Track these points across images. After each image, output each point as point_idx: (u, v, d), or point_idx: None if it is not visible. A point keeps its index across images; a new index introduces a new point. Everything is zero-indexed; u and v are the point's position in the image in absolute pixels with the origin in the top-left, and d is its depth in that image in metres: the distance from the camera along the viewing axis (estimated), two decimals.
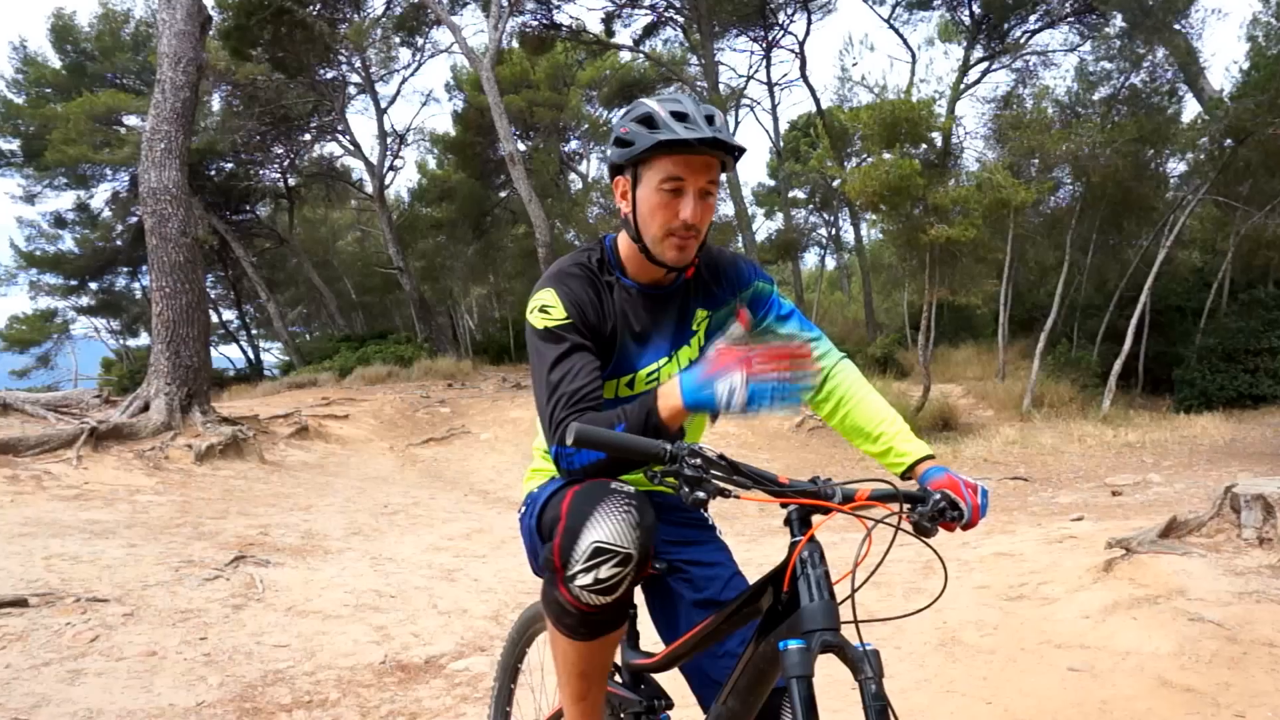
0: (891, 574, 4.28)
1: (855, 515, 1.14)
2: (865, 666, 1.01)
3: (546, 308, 1.37)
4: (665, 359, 1.49)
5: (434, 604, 4.14)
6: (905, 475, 1.43)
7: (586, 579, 1.19)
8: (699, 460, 1.06)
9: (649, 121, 1.33)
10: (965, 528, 1.25)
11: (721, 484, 1.08)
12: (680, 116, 1.31)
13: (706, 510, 1.67)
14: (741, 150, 1.36)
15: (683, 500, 1.05)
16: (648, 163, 1.35)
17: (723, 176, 1.45)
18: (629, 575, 1.20)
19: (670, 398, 1.21)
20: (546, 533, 1.30)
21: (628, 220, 1.43)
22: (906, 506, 1.17)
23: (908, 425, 1.48)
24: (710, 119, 1.32)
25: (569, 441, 1.07)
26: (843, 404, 1.51)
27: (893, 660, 3.09)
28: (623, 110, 1.43)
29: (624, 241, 1.48)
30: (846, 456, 10.64)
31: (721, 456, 1.09)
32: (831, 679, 1.18)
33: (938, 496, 1.19)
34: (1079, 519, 5.44)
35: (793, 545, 1.13)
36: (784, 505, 1.15)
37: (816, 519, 1.14)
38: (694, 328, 1.52)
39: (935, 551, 1.23)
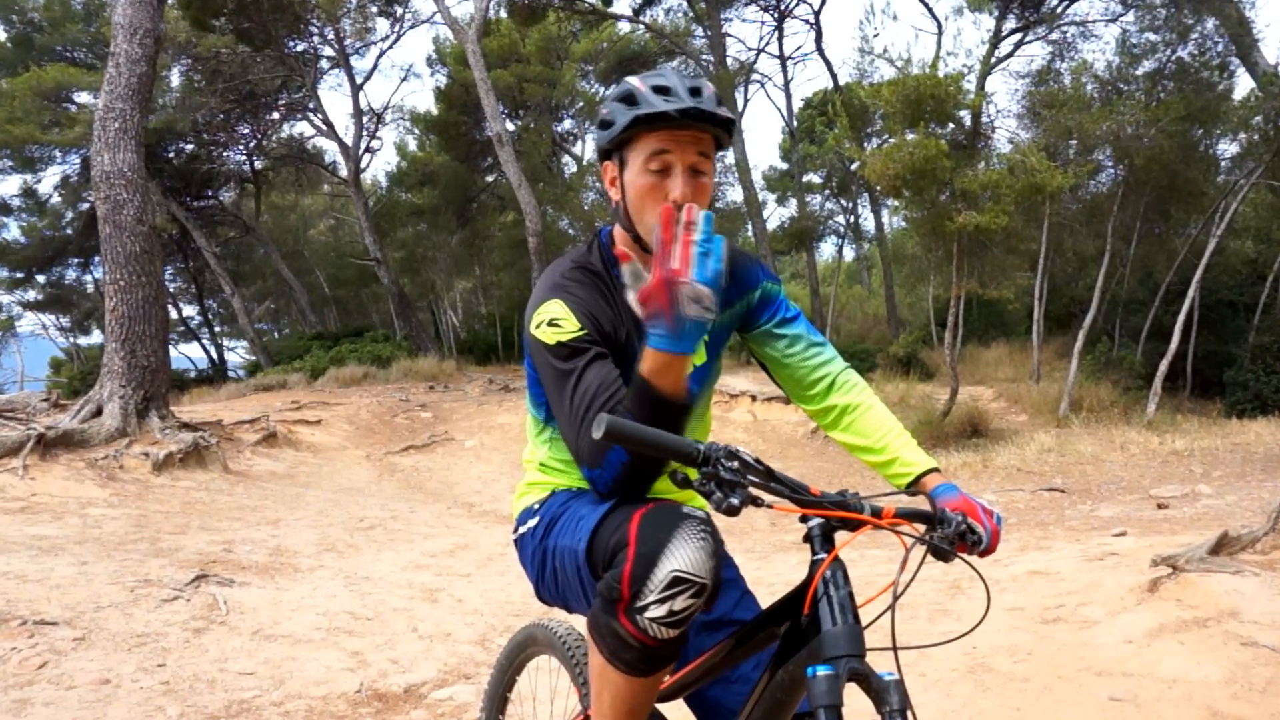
0: (916, 595, 4.28)
1: (896, 533, 1.14)
2: (891, 698, 1.01)
3: (557, 321, 1.37)
4: None
5: (414, 627, 4.15)
6: (910, 489, 1.44)
7: (660, 610, 1.18)
8: (736, 463, 1.06)
9: (630, 99, 1.35)
10: (983, 554, 1.26)
11: (757, 491, 1.07)
12: (662, 90, 1.33)
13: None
14: (730, 121, 1.37)
15: (715, 507, 1.05)
16: (632, 143, 1.38)
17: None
18: (700, 606, 1.20)
19: (654, 361, 1.23)
20: (606, 559, 1.28)
21: (619, 209, 1.44)
22: (925, 527, 1.19)
23: (913, 439, 1.51)
24: (696, 91, 1.34)
25: (597, 435, 1.07)
26: (845, 414, 1.55)
27: (918, 689, 3.09)
28: (609, 92, 1.46)
29: (620, 235, 1.49)
30: (865, 465, 10.64)
31: (758, 460, 1.09)
32: (851, 710, 1.18)
33: (959, 519, 1.21)
34: (1121, 534, 5.45)
35: (815, 564, 1.13)
36: (804, 520, 1.15)
37: (841, 536, 1.15)
38: None
39: (980, 574, 1.24)
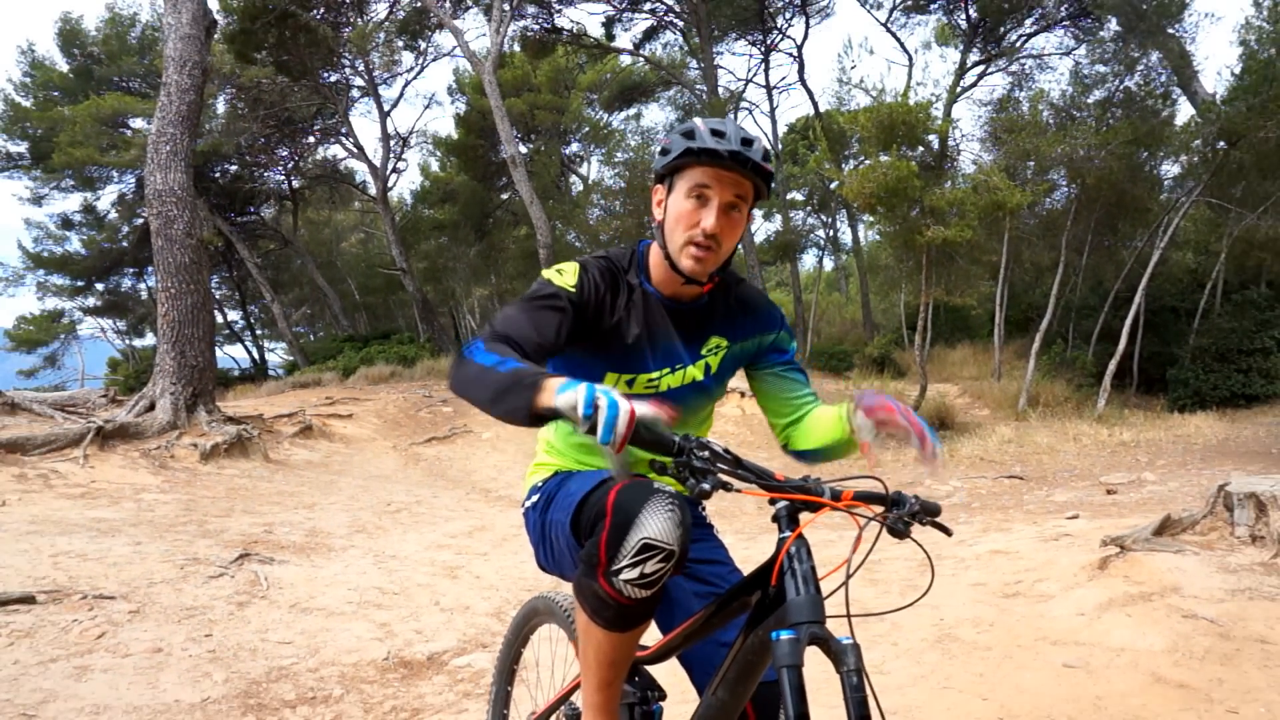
0: (889, 571, 4.28)
1: (849, 513, 1.15)
2: (848, 659, 1.03)
3: (561, 271, 1.48)
4: (668, 370, 1.53)
5: (436, 601, 4.14)
6: (853, 431, 1.39)
7: (632, 574, 1.22)
8: (707, 454, 1.09)
9: (689, 134, 1.39)
10: (934, 523, 1.22)
11: (726, 477, 1.10)
12: (717, 133, 1.37)
13: (704, 509, 1.69)
14: (770, 175, 1.41)
15: (689, 492, 1.07)
16: (681, 171, 1.42)
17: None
18: (670, 570, 1.24)
19: (547, 392, 1.16)
20: (587, 528, 1.33)
21: (660, 229, 1.48)
22: (881, 508, 1.19)
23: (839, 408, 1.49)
24: (748, 141, 1.37)
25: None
26: (805, 425, 1.57)
27: (890, 656, 3.09)
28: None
29: (654, 249, 1.53)
30: (841, 460, 10.62)
31: (727, 450, 1.11)
32: (829, 675, 1.18)
33: (913, 499, 1.21)
34: (1074, 517, 5.45)
35: (781, 541, 1.15)
36: (773, 503, 1.17)
37: (805, 517, 1.17)
38: (704, 351, 1.55)
39: (923, 549, 1.24)
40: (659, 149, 1.46)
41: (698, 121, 1.41)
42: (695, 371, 1.54)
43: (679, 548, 1.22)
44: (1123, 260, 15.58)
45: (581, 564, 1.30)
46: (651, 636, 1.57)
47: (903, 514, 1.19)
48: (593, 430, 1.06)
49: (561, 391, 1.11)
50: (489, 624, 3.83)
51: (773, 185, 1.43)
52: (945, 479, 8.71)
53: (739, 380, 1.73)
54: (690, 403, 1.57)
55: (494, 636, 3.62)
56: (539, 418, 1.16)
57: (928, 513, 1.21)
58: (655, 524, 1.21)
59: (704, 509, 1.69)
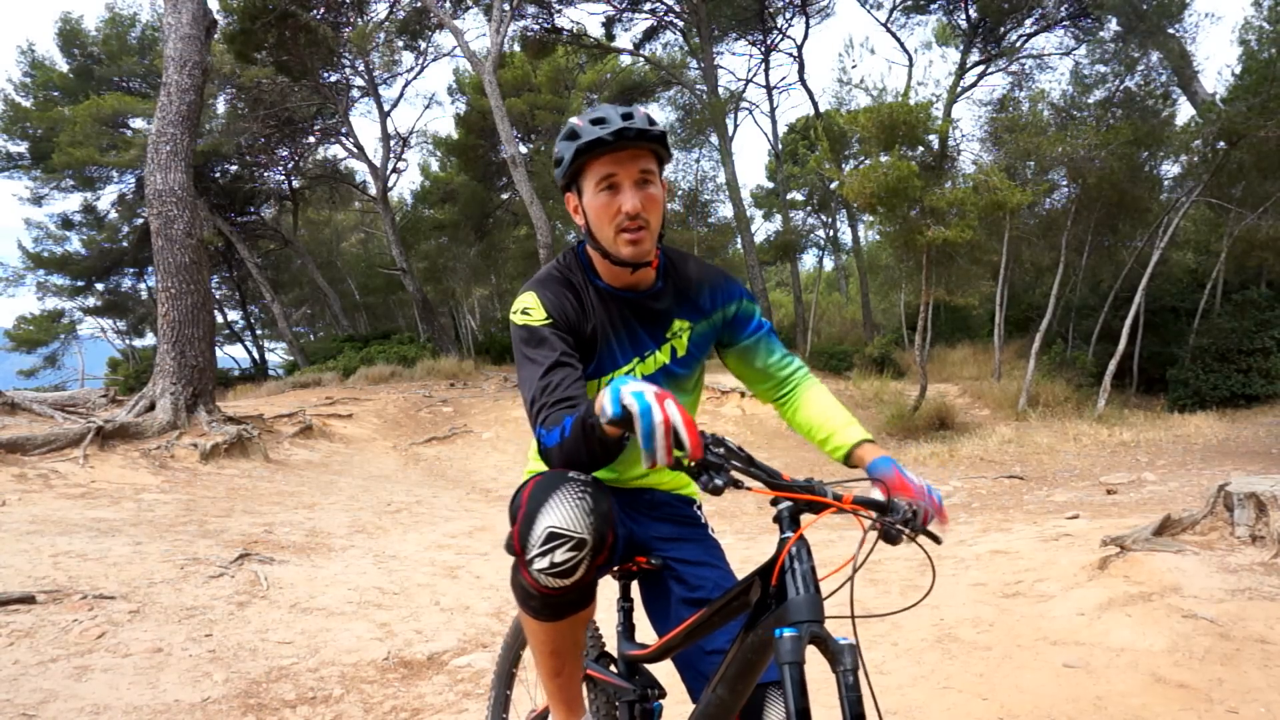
0: (889, 572, 4.28)
1: (856, 516, 1.16)
2: (844, 659, 1.05)
3: (528, 310, 1.44)
4: (637, 360, 1.53)
5: (436, 601, 4.14)
6: (848, 462, 1.45)
7: (543, 563, 1.23)
8: (722, 449, 1.09)
9: (573, 135, 1.41)
10: (926, 530, 1.22)
11: (738, 474, 1.10)
12: (598, 121, 1.38)
13: (700, 508, 1.69)
14: (662, 135, 1.40)
15: (702, 488, 1.07)
16: (583, 172, 1.43)
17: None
18: (584, 559, 1.24)
19: (603, 407, 1.15)
20: (512, 519, 1.35)
21: (588, 232, 1.49)
22: (876, 514, 1.19)
23: (854, 419, 1.52)
24: (627, 115, 1.38)
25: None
26: (798, 403, 1.59)
27: (890, 657, 3.09)
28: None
29: (592, 251, 1.53)
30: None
31: (740, 448, 1.12)
32: (829, 675, 1.18)
33: (906, 504, 1.21)
34: (1074, 517, 5.44)
35: (782, 541, 1.16)
36: (774, 504, 1.17)
37: (806, 518, 1.17)
38: (668, 335, 1.55)
39: (926, 551, 1.25)
40: (554, 162, 1.47)
41: (575, 121, 1.41)
42: (662, 356, 1.54)
43: (591, 535, 1.22)
44: (1122, 260, 15.59)
45: (509, 554, 1.32)
46: (651, 635, 1.57)
47: (895, 520, 1.20)
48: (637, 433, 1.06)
49: (611, 400, 1.11)
50: (489, 624, 3.83)
51: (666, 143, 1.43)
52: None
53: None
54: (663, 388, 1.56)
55: (494, 636, 3.62)
56: (621, 441, 1.20)
57: (915, 515, 1.21)
58: (560, 512, 1.22)
59: (699, 508, 1.69)
